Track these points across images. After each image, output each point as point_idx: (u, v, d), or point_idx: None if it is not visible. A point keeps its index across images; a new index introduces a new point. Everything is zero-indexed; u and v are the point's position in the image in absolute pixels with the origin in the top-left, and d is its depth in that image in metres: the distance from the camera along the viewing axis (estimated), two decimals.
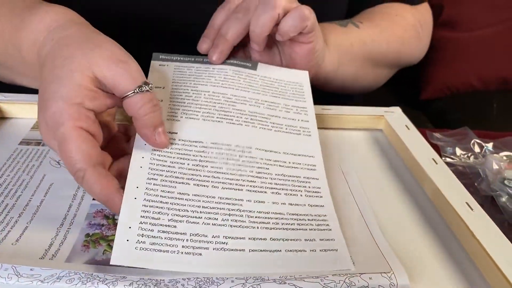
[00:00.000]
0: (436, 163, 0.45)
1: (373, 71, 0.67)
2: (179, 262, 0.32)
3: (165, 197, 0.35)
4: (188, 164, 0.37)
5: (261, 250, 0.33)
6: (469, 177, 0.49)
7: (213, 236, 0.33)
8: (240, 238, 0.34)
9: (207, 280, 0.31)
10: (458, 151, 0.53)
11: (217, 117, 0.42)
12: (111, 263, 0.30)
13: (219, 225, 0.34)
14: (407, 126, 0.52)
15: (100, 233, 0.36)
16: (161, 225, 0.33)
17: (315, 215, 0.37)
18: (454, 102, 1.13)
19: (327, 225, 0.37)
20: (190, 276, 0.31)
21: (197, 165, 0.38)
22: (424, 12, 0.73)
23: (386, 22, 0.65)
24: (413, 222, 0.41)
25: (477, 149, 0.54)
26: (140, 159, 0.37)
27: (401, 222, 0.41)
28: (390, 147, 0.51)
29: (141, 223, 0.33)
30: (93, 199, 0.39)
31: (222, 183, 0.37)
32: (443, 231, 0.40)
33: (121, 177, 0.36)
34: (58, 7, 0.42)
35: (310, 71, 0.51)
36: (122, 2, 0.58)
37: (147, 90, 0.36)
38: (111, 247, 0.34)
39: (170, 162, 0.37)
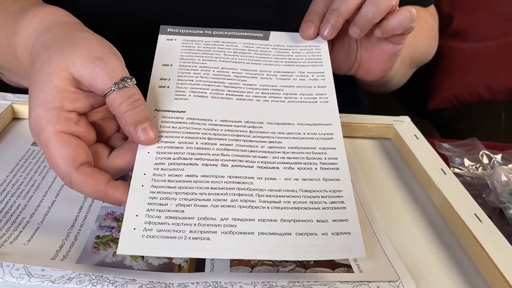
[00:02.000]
0: (445, 174, 0.45)
1: (410, 70, 0.69)
2: (186, 249, 0.31)
3: (172, 181, 0.34)
4: (196, 143, 0.37)
5: (270, 233, 0.32)
6: (477, 188, 0.49)
7: (221, 219, 0.33)
8: (250, 220, 0.33)
9: (216, 285, 0.31)
10: (467, 162, 0.53)
11: (227, 94, 0.41)
12: (117, 252, 0.30)
13: (228, 206, 0.33)
14: (416, 136, 0.52)
15: (110, 235, 0.36)
16: (168, 210, 0.32)
17: (329, 191, 0.35)
18: (462, 112, 1.13)
19: (342, 202, 0.35)
20: (199, 281, 0.31)
21: (205, 143, 0.37)
22: (433, 13, 0.75)
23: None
24: (420, 232, 0.41)
25: (485, 160, 0.54)
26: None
27: (409, 231, 0.41)
28: (398, 156, 0.52)
29: (148, 210, 0.32)
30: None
31: (232, 160, 0.36)
32: (451, 242, 0.40)
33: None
34: (47, 8, 0.41)
35: (383, 73, 0.51)
36: (124, 5, 0.58)
37: (125, 86, 0.34)
38: None
39: (178, 142, 0.36)
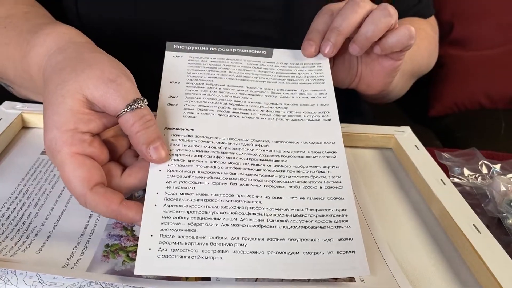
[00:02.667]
0: (445, 184, 0.46)
1: (410, 82, 0.70)
2: (200, 268, 0.32)
3: (184, 200, 0.35)
4: (206, 162, 0.38)
5: (279, 253, 0.34)
6: (476, 198, 0.51)
7: (232, 238, 0.34)
8: (259, 239, 0.34)
9: None
10: (466, 172, 0.54)
11: (233, 112, 0.42)
12: (135, 273, 0.31)
13: (238, 225, 0.34)
14: (416, 146, 0.53)
15: (119, 244, 0.37)
16: (181, 230, 0.34)
17: (334, 210, 0.37)
18: (462, 119, 1.14)
19: (346, 221, 0.36)
20: None
21: (214, 162, 0.38)
22: (434, 24, 0.77)
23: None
24: (420, 242, 0.42)
25: (484, 170, 0.55)
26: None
27: (409, 241, 0.42)
28: (399, 166, 0.53)
29: (162, 230, 0.34)
30: None
31: (240, 179, 0.37)
32: (450, 252, 0.41)
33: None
34: (60, 27, 0.42)
35: (384, 87, 0.52)
36: (130, 24, 0.59)
37: (137, 107, 0.35)
38: (129, 258, 0.36)
39: (188, 161, 0.38)
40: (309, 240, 0.35)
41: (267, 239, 0.34)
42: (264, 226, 0.35)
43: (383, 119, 0.59)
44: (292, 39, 0.50)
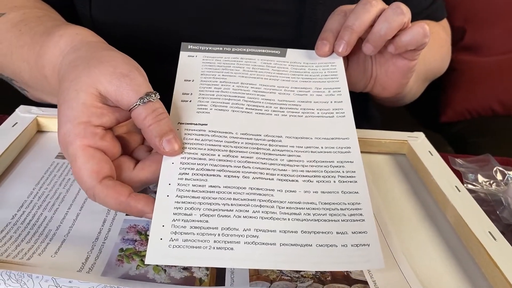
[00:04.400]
0: (459, 191, 0.46)
1: (424, 85, 0.70)
2: (211, 258, 0.32)
3: (196, 191, 0.35)
4: (218, 155, 0.38)
5: (292, 244, 0.34)
6: (490, 205, 0.50)
7: (244, 229, 0.34)
8: (271, 231, 0.34)
9: None
10: (480, 178, 0.54)
11: (246, 108, 0.43)
12: (146, 262, 0.31)
13: (250, 217, 0.34)
14: (430, 152, 0.53)
15: (133, 248, 0.37)
16: (193, 220, 0.34)
17: (348, 203, 0.36)
18: (475, 126, 1.13)
19: (361, 214, 0.36)
20: None
21: (227, 156, 0.38)
22: (446, 26, 0.77)
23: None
24: (435, 249, 0.42)
25: (499, 176, 0.54)
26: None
27: (424, 248, 0.42)
28: (413, 172, 0.52)
29: (174, 220, 0.34)
30: (126, 215, 0.40)
31: (253, 172, 0.37)
32: (465, 259, 0.40)
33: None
34: (73, 28, 0.43)
35: (399, 89, 0.52)
36: (142, 26, 0.59)
37: (150, 101, 0.36)
38: (144, 263, 0.36)
39: (201, 154, 0.38)
40: (322, 232, 0.35)
41: (280, 231, 0.34)
42: (276, 219, 0.35)
43: (392, 125, 0.59)
44: (305, 43, 0.50)
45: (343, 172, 0.39)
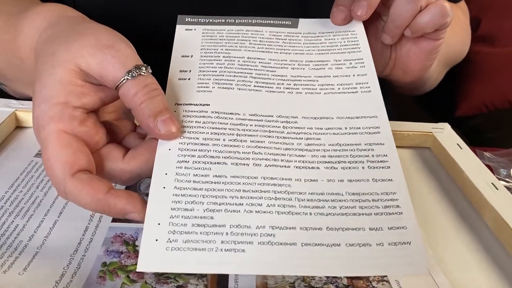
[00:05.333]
0: (497, 189, 0.40)
1: (444, 70, 0.65)
2: (218, 263, 0.26)
3: (198, 182, 0.30)
4: (224, 140, 0.32)
5: (316, 244, 0.28)
6: None
7: (257, 227, 0.28)
8: (291, 228, 0.28)
9: None
10: None
11: (255, 86, 0.37)
12: (138, 269, 0.26)
13: (264, 212, 0.29)
14: (459, 145, 0.46)
15: (118, 262, 0.31)
16: (195, 217, 0.28)
17: (381, 193, 0.30)
18: (492, 120, 1.07)
19: (397, 206, 0.30)
20: None
21: (234, 140, 0.32)
22: (464, 8, 0.72)
23: None
24: (474, 257, 0.35)
25: None
26: (168, 141, 0.32)
27: (460, 256, 0.36)
28: (440, 167, 0.46)
29: (171, 217, 0.28)
30: (112, 221, 0.35)
31: (265, 159, 0.32)
32: (510, 269, 0.34)
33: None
34: (50, 5, 0.38)
35: (422, 72, 0.47)
36: (133, 10, 0.54)
37: (140, 74, 0.30)
38: (130, 280, 0.30)
39: (203, 138, 0.32)
40: (352, 229, 0.28)
41: (301, 228, 0.28)
42: (296, 213, 0.29)
43: (403, 119, 0.53)
44: (311, 13, 0.45)
45: (372, 156, 0.33)
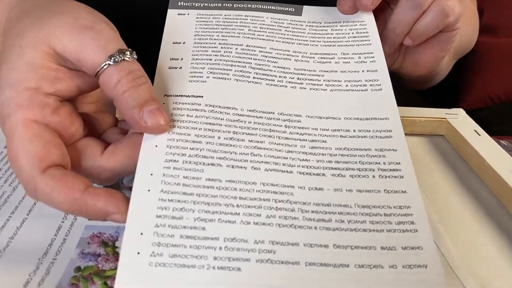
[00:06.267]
0: None
1: (452, 62, 0.62)
2: (210, 282, 0.22)
3: (189, 185, 0.26)
4: (219, 138, 0.28)
5: (321, 265, 0.24)
6: None
7: (255, 242, 0.24)
8: (293, 244, 0.24)
9: None
10: None
11: (254, 77, 0.33)
12: (115, 286, 0.21)
13: (264, 224, 0.25)
14: (476, 132, 0.42)
15: (94, 266, 0.27)
16: (184, 227, 0.24)
17: (394, 207, 0.27)
18: (497, 113, 1.04)
19: (412, 222, 0.26)
20: None
21: (231, 139, 0.28)
22: None
23: None
24: (504, 257, 0.31)
25: None
26: (154, 136, 0.27)
27: (488, 256, 0.31)
28: (456, 157, 0.42)
29: (157, 226, 0.24)
30: (90, 219, 0.30)
31: (265, 162, 0.28)
32: None
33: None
34: None
35: (434, 65, 0.44)
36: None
37: (124, 59, 0.26)
38: (107, 287, 0.25)
39: (195, 135, 0.28)
40: (362, 248, 0.25)
41: (304, 245, 0.24)
42: (299, 227, 0.25)
43: None
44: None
45: (384, 163, 0.29)
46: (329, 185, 0.27)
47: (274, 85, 0.33)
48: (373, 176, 0.28)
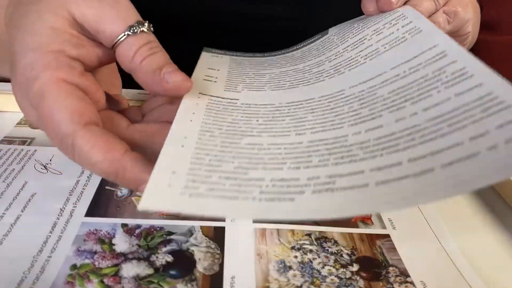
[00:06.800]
0: None
1: None
2: (257, 212, 0.21)
3: (227, 147, 0.25)
4: (257, 121, 0.28)
5: (397, 179, 0.22)
6: None
7: (308, 179, 0.23)
8: (357, 173, 0.23)
9: None
10: None
11: (290, 86, 0.33)
12: (139, 208, 0.19)
13: (316, 166, 0.24)
14: None
15: (91, 264, 0.26)
16: (222, 171, 0.23)
17: (472, 101, 0.24)
18: None
19: (500, 102, 0.23)
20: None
21: (270, 121, 0.28)
22: None
23: None
24: (510, 255, 0.31)
25: None
26: (193, 106, 0.27)
27: (494, 256, 0.31)
28: None
29: (192, 169, 0.22)
30: (86, 215, 0.29)
31: (311, 128, 0.27)
32: None
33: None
34: None
35: None
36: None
37: (143, 31, 0.26)
38: (104, 286, 0.25)
39: (232, 119, 0.27)
40: (446, 149, 0.22)
41: (371, 170, 0.23)
42: (360, 159, 0.23)
43: None
44: (316, 19, 0.42)
45: (447, 76, 0.27)
46: (389, 120, 0.26)
47: (311, 84, 0.32)
48: (438, 91, 0.26)
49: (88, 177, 0.33)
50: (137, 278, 0.25)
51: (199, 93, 0.30)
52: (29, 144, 0.37)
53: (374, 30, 0.35)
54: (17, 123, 0.40)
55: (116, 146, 0.23)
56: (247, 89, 0.32)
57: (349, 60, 0.33)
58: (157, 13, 0.48)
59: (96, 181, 0.33)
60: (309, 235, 0.30)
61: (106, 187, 0.32)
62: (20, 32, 0.26)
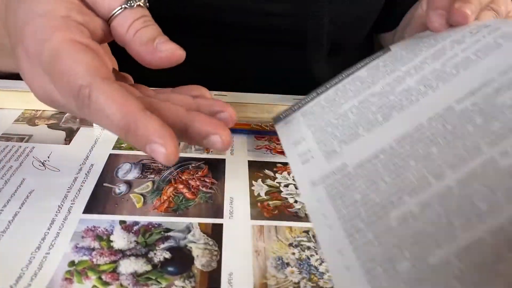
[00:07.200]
0: None
1: None
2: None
3: (374, 228, 0.24)
4: (385, 183, 0.26)
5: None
6: None
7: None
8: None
9: None
10: None
11: (383, 118, 0.30)
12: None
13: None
14: None
15: (89, 261, 0.26)
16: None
17: None
18: None
19: None
20: None
21: (398, 176, 0.26)
22: None
23: None
24: None
25: None
26: (316, 205, 0.27)
27: None
28: None
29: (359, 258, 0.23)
30: (84, 212, 0.30)
31: (448, 166, 0.24)
32: None
33: None
34: None
35: None
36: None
37: (139, 5, 0.28)
38: (102, 282, 0.25)
39: (362, 196, 0.26)
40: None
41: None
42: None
43: None
44: (321, 17, 0.43)
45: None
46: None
47: (405, 107, 0.30)
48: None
49: (86, 174, 0.33)
50: (135, 275, 0.25)
51: (310, 182, 0.30)
52: (27, 141, 0.37)
53: (453, 41, 0.33)
54: (15, 120, 0.40)
55: (132, 102, 0.23)
56: (343, 143, 0.31)
57: (437, 73, 0.31)
58: (159, 10, 0.48)
59: (94, 178, 0.33)
60: (307, 232, 0.30)
61: (104, 184, 0.32)
62: (23, 3, 0.26)
